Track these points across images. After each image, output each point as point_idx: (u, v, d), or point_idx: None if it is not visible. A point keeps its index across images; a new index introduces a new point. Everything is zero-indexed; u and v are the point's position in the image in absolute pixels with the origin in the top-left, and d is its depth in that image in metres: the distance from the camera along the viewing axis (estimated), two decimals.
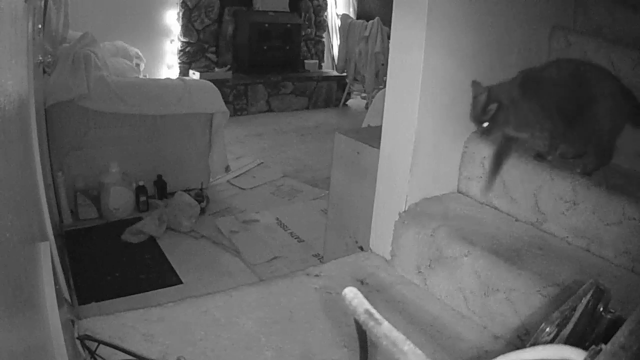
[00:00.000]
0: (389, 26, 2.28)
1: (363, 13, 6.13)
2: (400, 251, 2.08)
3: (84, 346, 1.49)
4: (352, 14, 6.15)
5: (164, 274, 2.16)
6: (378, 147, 2.29)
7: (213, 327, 1.73)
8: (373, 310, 0.65)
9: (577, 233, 1.84)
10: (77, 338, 1.50)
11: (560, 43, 2.35)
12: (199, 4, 4.92)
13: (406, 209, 2.10)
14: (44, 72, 2.51)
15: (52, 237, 1.50)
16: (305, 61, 5.70)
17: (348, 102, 5.75)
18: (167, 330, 1.69)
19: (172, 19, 4.94)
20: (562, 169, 1.90)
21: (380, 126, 2.28)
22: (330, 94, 5.59)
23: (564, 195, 1.86)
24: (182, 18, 4.90)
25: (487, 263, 1.74)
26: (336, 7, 6.24)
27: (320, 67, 5.88)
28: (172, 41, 5.01)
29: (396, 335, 0.61)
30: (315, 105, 5.50)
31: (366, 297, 0.74)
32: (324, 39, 6.07)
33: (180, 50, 5.00)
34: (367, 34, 5.28)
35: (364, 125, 3.60)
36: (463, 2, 2.01)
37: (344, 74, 5.63)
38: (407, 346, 0.59)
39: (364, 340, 1.02)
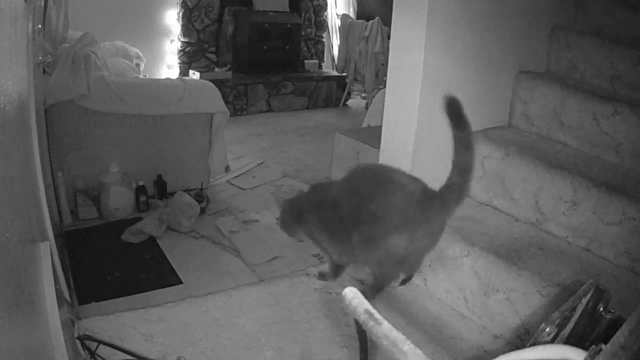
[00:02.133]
0: (389, 26, 2.28)
1: (363, 13, 6.13)
2: None
3: (84, 346, 1.49)
4: (352, 14, 6.15)
5: (164, 274, 2.16)
6: (378, 147, 2.29)
7: (213, 327, 1.73)
8: (373, 310, 0.65)
9: (577, 233, 1.84)
10: (77, 338, 1.50)
11: (560, 43, 2.35)
12: (199, 4, 4.91)
13: None
14: (44, 72, 2.51)
15: (52, 237, 1.50)
16: (305, 61, 5.70)
17: (348, 102, 5.75)
18: (167, 330, 1.69)
19: (172, 19, 4.94)
20: (562, 169, 1.90)
21: (380, 126, 2.28)
22: (330, 94, 5.59)
23: (564, 195, 1.86)
24: (182, 18, 4.89)
25: (487, 263, 1.75)
26: (336, 7, 6.23)
27: (320, 67, 5.87)
28: (172, 41, 5.01)
29: (396, 335, 0.61)
30: (315, 105, 5.50)
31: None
32: (324, 39, 6.07)
33: (180, 50, 5.00)
34: (367, 34, 5.27)
35: (364, 125, 3.60)
36: (463, 2, 2.02)
37: (344, 74, 5.63)
38: (407, 346, 0.59)
39: (364, 340, 1.02)
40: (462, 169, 1.57)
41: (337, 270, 2.00)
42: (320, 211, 1.82)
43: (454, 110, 1.53)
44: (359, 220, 1.67)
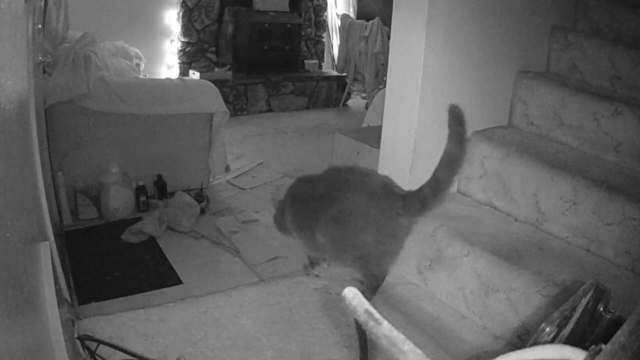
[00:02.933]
0: (389, 26, 2.28)
1: (363, 13, 6.13)
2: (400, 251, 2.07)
3: (84, 346, 1.49)
4: (352, 14, 6.14)
5: (164, 274, 2.16)
6: (378, 147, 2.29)
7: (213, 327, 1.73)
8: (373, 310, 0.65)
9: (577, 233, 1.84)
10: (77, 338, 1.50)
11: (560, 43, 2.35)
12: (199, 4, 4.91)
13: None
14: (44, 72, 2.51)
15: (52, 237, 1.49)
16: (305, 61, 5.70)
17: (348, 102, 5.75)
18: (167, 330, 1.69)
19: (172, 19, 4.94)
20: (562, 169, 1.90)
21: (380, 126, 2.28)
22: (330, 94, 5.59)
23: (564, 195, 1.86)
24: (182, 18, 4.90)
25: (487, 263, 1.75)
26: (336, 7, 6.23)
27: (320, 67, 5.87)
28: (172, 41, 5.01)
29: (396, 335, 0.61)
30: (315, 105, 5.50)
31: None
32: (324, 39, 6.07)
33: (180, 50, 5.00)
34: (367, 34, 5.27)
35: (364, 125, 3.60)
36: (463, 2, 2.02)
37: (344, 74, 5.63)
38: (407, 346, 0.59)
39: (364, 340, 1.02)
40: (436, 185, 1.54)
41: (312, 260, 2.07)
42: (294, 204, 1.85)
43: (457, 123, 1.50)
44: (321, 220, 1.69)
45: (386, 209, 1.59)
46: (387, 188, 1.64)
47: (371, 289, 1.78)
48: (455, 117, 1.50)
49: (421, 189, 1.56)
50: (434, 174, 1.54)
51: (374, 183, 1.66)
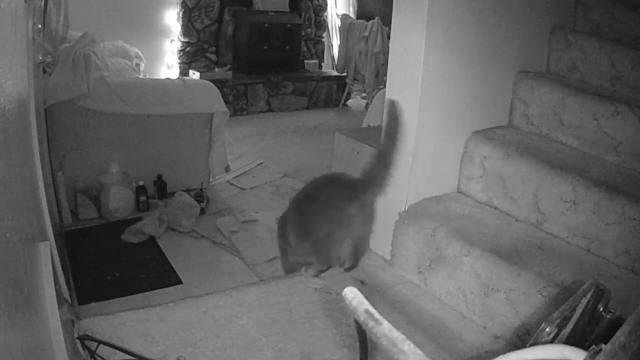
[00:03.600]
0: (389, 26, 2.28)
1: (363, 13, 6.13)
2: (400, 251, 2.08)
3: (84, 346, 1.49)
4: (352, 14, 6.14)
5: (164, 274, 2.16)
6: (378, 147, 2.29)
7: (213, 327, 1.73)
8: (373, 310, 0.65)
9: (577, 233, 1.84)
10: (77, 338, 1.50)
11: (560, 43, 2.35)
12: (199, 4, 4.91)
13: (406, 209, 2.10)
14: (44, 72, 2.51)
15: (52, 237, 1.50)
16: (305, 61, 5.69)
17: (348, 102, 5.75)
18: (167, 330, 1.69)
19: (172, 19, 4.94)
20: (562, 169, 1.90)
21: (380, 126, 2.28)
22: (330, 94, 5.59)
23: (564, 195, 1.86)
24: (182, 18, 4.89)
25: (487, 263, 1.75)
26: (336, 7, 6.23)
27: (320, 67, 5.86)
28: (172, 41, 5.01)
29: (396, 335, 0.61)
30: (315, 105, 5.49)
31: (366, 297, 0.74)
32: (324, 39, 6.07)
33: (180, 50, 5.00)
34: (367, 34, 5.27)
35: (364, 125, 3.59)
36: (463, 2, 2.02)
37: (344, 74, 5.63)
38: (407, 346, 0.59)
39: (364, 340, 1.02)
40: (371, 179, 1.69)
41: (293, 266, 2.13)
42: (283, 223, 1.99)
43: (393, 120, 1.57)
44: (291, 222, 1.86)
45: (332, 195, 1.75)
46: (335, 178, 1.82)
47: (318, 272, 1.94)
48: (391, 114, 1.56)
49: (357, 181, 1.72)
50: (369, 169, 1.69)
51: (327, 176, 1.86)
